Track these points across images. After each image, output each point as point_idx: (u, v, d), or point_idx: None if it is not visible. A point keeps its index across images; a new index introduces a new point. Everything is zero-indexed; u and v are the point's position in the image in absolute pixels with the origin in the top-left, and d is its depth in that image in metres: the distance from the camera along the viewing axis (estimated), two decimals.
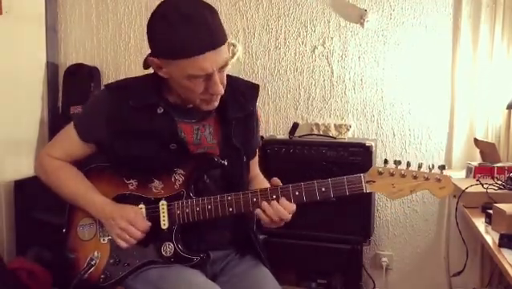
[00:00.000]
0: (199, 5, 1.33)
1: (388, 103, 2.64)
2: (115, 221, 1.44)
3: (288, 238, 2.44)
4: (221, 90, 1.39)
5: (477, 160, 2.30)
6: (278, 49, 2.78)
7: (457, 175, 2.17)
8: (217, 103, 1.45)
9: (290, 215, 1.41)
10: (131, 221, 1.43)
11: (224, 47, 1.34)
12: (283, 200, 1.39)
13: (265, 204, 1.39)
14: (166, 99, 1.48)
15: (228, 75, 1.52)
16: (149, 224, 1.45)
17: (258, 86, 1.62)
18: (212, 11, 1.34)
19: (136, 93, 1.47)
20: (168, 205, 1.45)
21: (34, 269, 2.47)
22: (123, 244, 1.44)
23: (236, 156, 1.52)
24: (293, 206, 1.40)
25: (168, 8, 1.33)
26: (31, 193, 2.65)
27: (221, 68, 1.36)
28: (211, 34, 1.31)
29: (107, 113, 1.47)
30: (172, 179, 1.47)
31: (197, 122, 1.51)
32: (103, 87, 1.55)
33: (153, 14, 1.35)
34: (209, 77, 1.35)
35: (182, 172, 1.47)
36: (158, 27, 1.34)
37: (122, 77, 2.92)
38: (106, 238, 1.50)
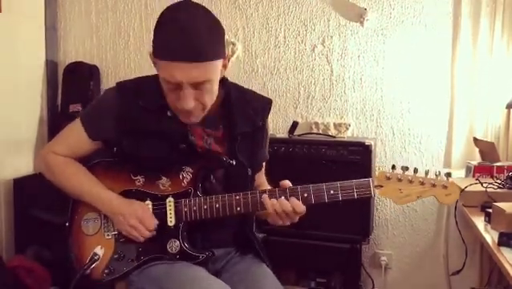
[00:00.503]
0: (198, 15, 1.31)
1: (388, 102, 2.64)
2: (125, 218, 1.44)
3: (287, 236, 2.44)
4: (188, 106, 1.35)
5: (476, 160, 2.31)
6: (278, 47, 2.78)
7: (457, 174, 2.17)
8: (194, 119, 1.43)
9: (298, 216, 1.40)
10: (140, 219, 1.43)
11: (206, 64, 1.31)
12: (294, 199, 1.38)
13: (273, 200, 1.39)
14: None
15: (240, 87, 1.54)
16: (157, 222, 1.45)
17: (269, 101, 1.60)
18: (210, 26, 1.32)
19: (146, 94, 1.47)
20: (175, 202, 1.46)
21: (33, 267, 2.46)
22: (135, 240, 1.45)
23: (241, 170, 1.51)
24: (302, 207, 1.38)
25: (170, 12, 1.34)
26: (30, 192, 2.66)
27: (198, 85, 1.33)
28: (193, 46, 1.28)
29: (117, 112, 1.47)
30: (180, 176, 1.47)
31: (203, 130, 1.50)
32: (114, 85, 1.54)
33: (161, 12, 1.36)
34: (179, 87, 1.33)
35: (190, 170, 1.47)
36: (156, 24, 1.35)
37: (121, 75, 2.97)
38: (110, 234, 1.50)
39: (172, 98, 1.38)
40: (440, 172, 1.39)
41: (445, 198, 1.38)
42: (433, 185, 1.38)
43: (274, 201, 1.39)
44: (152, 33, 1.36)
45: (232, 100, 1.51)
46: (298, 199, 1.39)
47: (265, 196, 1.40)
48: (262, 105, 1.58)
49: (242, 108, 1.52)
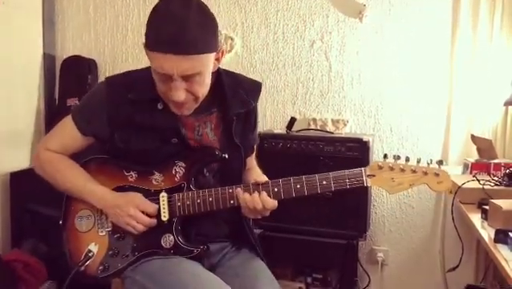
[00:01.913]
0: (191, 8, 1.30)
1: (386, 98, 2.64)
2: (122, 208, 1.44)
3: (284, 232, 2.44)
4: (180, 97, 1.35)
5: (473, 157, 2.31)
6: (277, 43, 2.77)
7: (454, 171, 2.17)
8: (186, 112, 1.43)
9: (268, 211, 1.42)
10: (138, 206, 1.43)
11: (196, 57, 1.31)
12: (264, 195, 1.40)
13: (246, 194, 1.40)
14: None
15: (230, 72, 1.54)
16: (156, 206, 1.45)
17: (260, 83, 1.61)
18: (202, 19, 1.31)
19: (136, 87, 1.47)
20: (168, 197, 1.46)
21: (29, 261, 2.46)
22: (133, 231, 1.44)
23: (235, 153, 1.52)
24: (271, 203, 1.40)
25: (163, 3, 1.33)
26: (27, 185, 2.64)
27: (188, 77, 1.33)
28: (183, 39, 1.28)
29: (107, 106, 1.47)
30: (173, 171, 1.47)
31: (197, 118, 1.50)
32: (103, 80, 1.54)
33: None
34: (170, 79, 1.33)
35: (183, 164, 1.47)
36: (149, 16, 1.34)
37: (119, 69, 2.94)
38: (104, 230, 1.50)
39: (163, 89, 1.38)
40: (432, 160, 1.39)
41: (437, 186, 1.38)
42: (425, 173, 1.38)
43: (246, 195, 1.40)
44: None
45: (224, 83, 1.50)
46: (291, 190, 1.39)
47: (238, 190, 1.42)
48: (253, 87, 1.59)
49: (234, 90, 1.52)
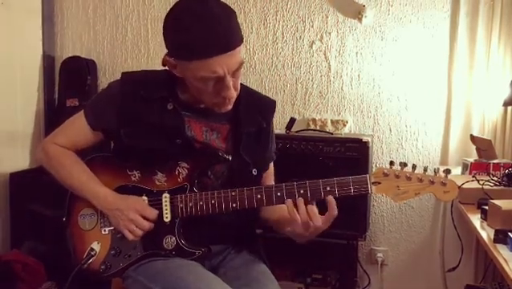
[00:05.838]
0: (214, 5, 1.30)
1: (385, 98, 2.64)
2: (123, 212, 1.43)
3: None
4: (233, 94, 1.38)
5: (473, 157, 2.31)
6: (276, 44, 2.77)
7: (453, 171, 2.16)
8: (230, 107, 1.43)
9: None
10: (139, 211, 1.43)
11: (238, 50, 1.32)
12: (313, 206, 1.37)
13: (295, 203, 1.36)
14: (177, 97, 1.48)
15: (246, 87, 1.54)
16: (157, 212, 1.44)
17: (274, 102, 1.61)
18: (227, 12, 1.32)
19: (149, 84, 1.48)
20: (171, 198, 1.45)
21: (28, 262, 2.46)
22: (130, 236, 1.43)
23: (243, 169, 1.51)
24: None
25: (182, 7, 1.32)
26: (27, 186, 2.65)
27: (235, 72, 1.34)
28: (224, 37, 1.28)
29: (119, 101, 1.47)
30: (176, 172, 1.47)
31: (206, 124, 1.51)
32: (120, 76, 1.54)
33: (169, 13, 1.34)
34: (220, 80, 1.33)
35: (186, 165, 1.46)
36: (171, 27, 1.33)
37: (119, 70, 2.95)
38: (107, 229, 1.49)
39: (212, 94, 1.37)
40: (438, 168, 1.37)
41: (444, 195, 1.36)
42: (432, 182, 1.35)
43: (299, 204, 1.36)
44: (167, 37, 1.34)
45: (240, 99, 1.50)
46: (295, 195, 1.38)
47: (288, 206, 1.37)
48: (267, 106, 1.59)
49: (249, 108, 1.52)
